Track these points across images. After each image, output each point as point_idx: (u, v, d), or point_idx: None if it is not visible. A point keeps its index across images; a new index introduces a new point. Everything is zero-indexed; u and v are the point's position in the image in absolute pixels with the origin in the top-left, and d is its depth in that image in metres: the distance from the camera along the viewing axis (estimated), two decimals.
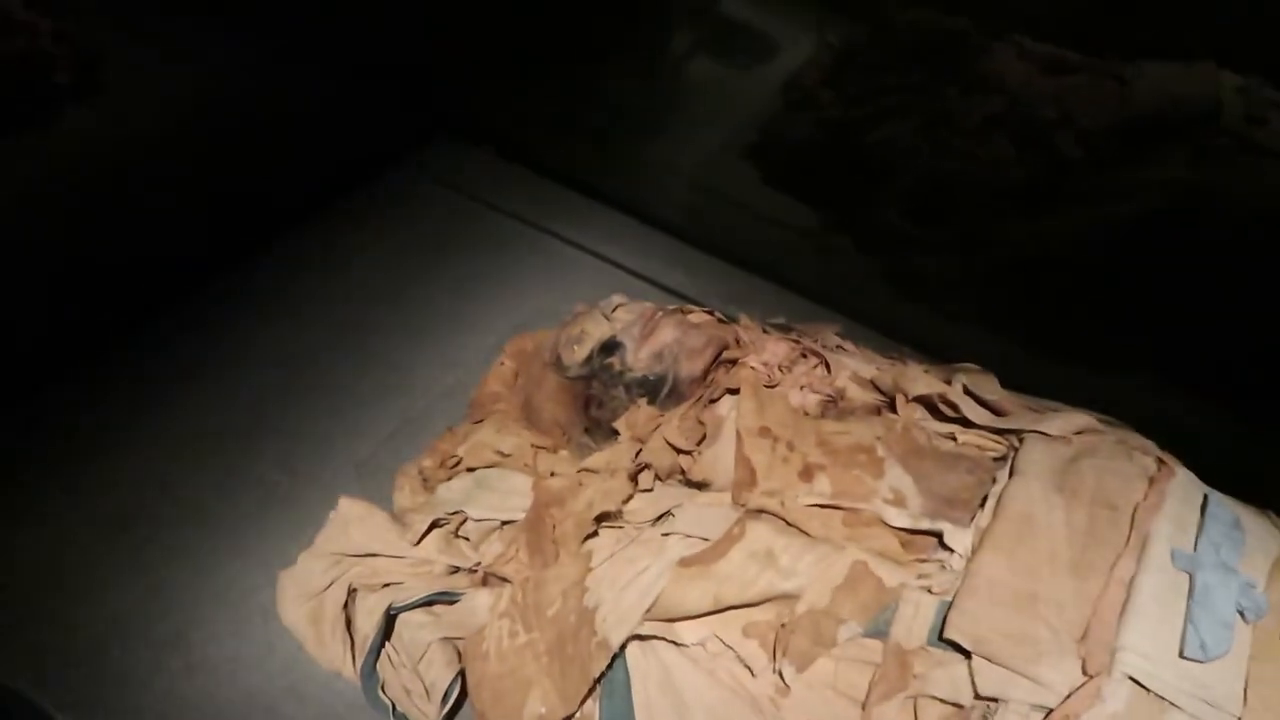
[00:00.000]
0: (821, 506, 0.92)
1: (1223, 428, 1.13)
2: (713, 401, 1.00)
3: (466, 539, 1.06)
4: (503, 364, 1.22)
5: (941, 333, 1.37)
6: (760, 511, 0.93)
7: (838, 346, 1.18)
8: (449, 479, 1.11)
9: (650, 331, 1.02)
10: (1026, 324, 1.33)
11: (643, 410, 0.99)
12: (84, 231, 1.25)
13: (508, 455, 1.07)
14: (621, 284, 1.44)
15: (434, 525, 1.05)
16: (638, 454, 1.00)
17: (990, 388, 1.03)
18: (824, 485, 0.93)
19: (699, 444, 0.99)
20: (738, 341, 1.06)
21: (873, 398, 1.06)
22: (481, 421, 1.15)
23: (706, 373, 1.03)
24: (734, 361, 1.03)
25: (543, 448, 1.08)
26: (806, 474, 0.95)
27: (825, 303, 1.43)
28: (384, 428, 1.25)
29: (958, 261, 1.40)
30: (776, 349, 1.10)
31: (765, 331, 1.18)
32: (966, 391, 1.02)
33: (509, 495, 1.02)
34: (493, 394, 1.18)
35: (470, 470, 1.09)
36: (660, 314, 1.06)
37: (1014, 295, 1.33)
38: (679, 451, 0.99)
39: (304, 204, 1.50)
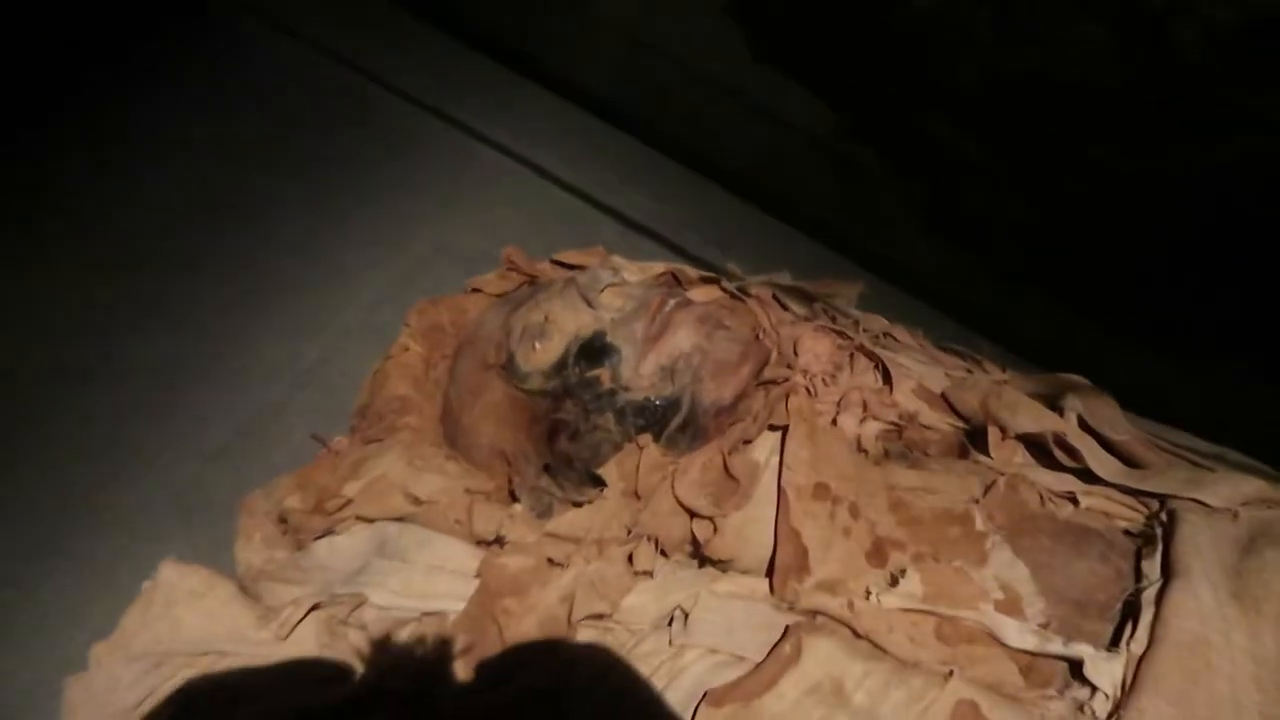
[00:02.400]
0: (907, 611, 0.79)
1: None
2: (746, 442, 0.85)
3: (362, 629, 0.88)
4: (407, 349, 1.02)
5: (995, 296, 1.24)
6: (816, 614, 0.79)
7: (885, 335, 1.04)
8: (329, 532, 0.92)
9: (660, 332, 0.87)
10: (1112, 293, 1.21)
11: (647, 452, 0.84)
12: None
13: (425, 503, 0.89)
14: (561, 208, 1.25)
15: (313, 608, 0.87)
16: (634, 516, 0.85)
17: (1112, 418, 0.91)
18: (911, 580, 0.80)
19: (723, 505, 0.83)
20: (778, 350, 0.93)
21: (949, 423, 0.93)
22: (379, 442, 0.96)
23: (739, 399, 0.87)
24: (776, 382, 0.89)
25: (481, 493, 0.90)
26: (878, 554, 0.82)
27: (842, 246, 1.28)
28: (214, 434, 1.04)
29: (1024, 196, 1.25)
30: (816, 347, 0.95)
31: (782, 305, 1.04)
32: (1083, 425, 0.89)
33: (433, 573, 0.85)
34: (396, 400, 0.98)
35: (366, 521, 0.91)
36: (672, 305, 0.88)
37: (1098, 250, 1.21)
38: (693, 515, 0.83)
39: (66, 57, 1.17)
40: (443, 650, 0.83)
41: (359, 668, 0.85)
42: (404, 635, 0.86)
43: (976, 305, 1.22)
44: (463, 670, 0.82)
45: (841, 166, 1.33)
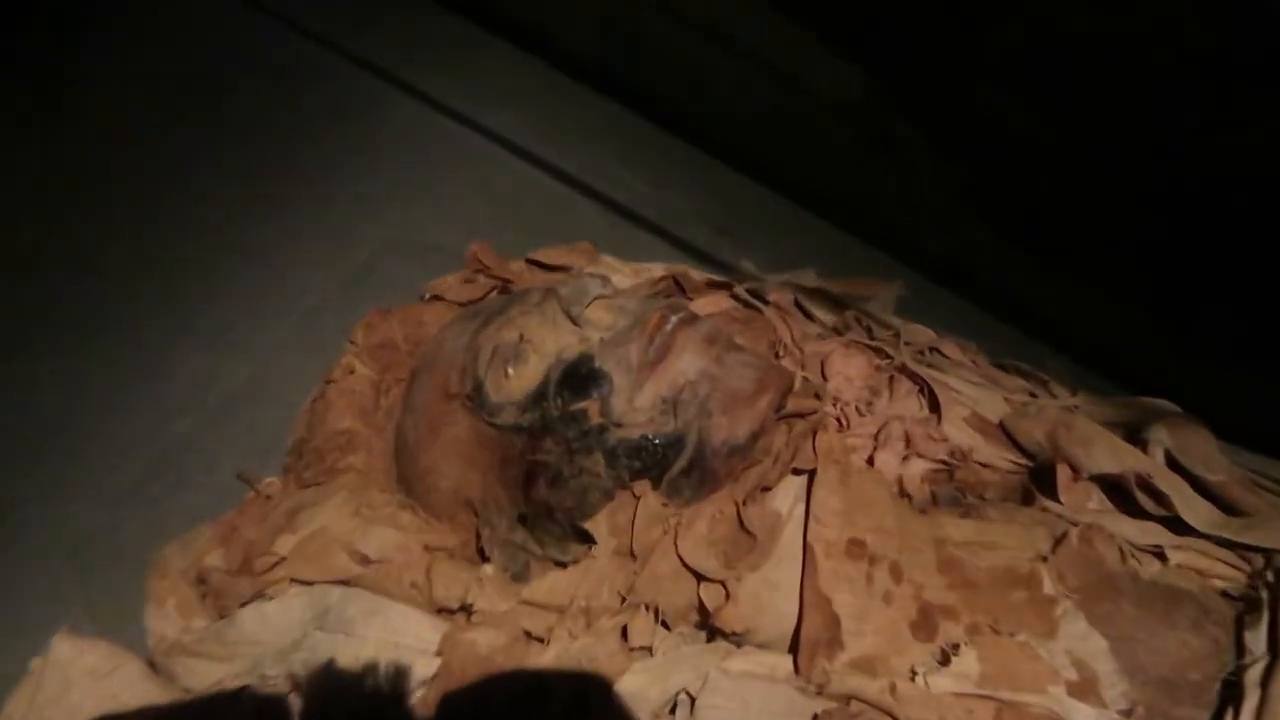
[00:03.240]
0: (961, 696, 0.78)
1: None
2: (764, 489, 0.84)
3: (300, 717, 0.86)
4: (352, 371, 1.01)
5: (1063, 298, 1.23)
6: (850, 699, 0.79)
7: (931, 349, 1.04)
8: (258, 597, 0.92)
9: (660, 356, 0.86)
10: (1204, 296, 1.20)
11: (644, 502, 0.83)
12: None
13: (375, 562, 0.89)
14: (539, 194, 1.24)
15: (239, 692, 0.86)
16: (629, 579, 0.84)
17: (1206, 454, 0.91)
18: (965, 658, 0.79)
19: (737, 565, 0.83)
20: (802, 372, 0.92)
21: (1009, 460, 0.93)
22: (319, 486, 0.96)
23: (756, 437, 0.86)
24: (801, 415, 0.88)
25: (442, 550, 0.90)
26: (925, 624, 0.81)
27: (877, 237, 1.28)
28: (118, 473, 1.03)
29: (1093, 178, 1.23)
30: (848, 368, 0.96)
31: (806, 314, 1.05)
32: (1171, 463, 0.89)
33: (385, 649, 0.85)
34: (339, 434, 0.98)
35: (303, 584, 0.91)
36: (674, 321, 0.87)
37: (1188, 245, 1.19)
38: (700, 579, 0.83)
39: None
40: None
41: None
42: None
43: (1040, 309, 1.21)
44: None
45: (876, 142, 1.32)
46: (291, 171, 1.20)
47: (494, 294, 1.13)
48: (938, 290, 1.20)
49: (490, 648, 0.82)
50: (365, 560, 0.89)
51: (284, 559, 0.91)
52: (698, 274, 1.07)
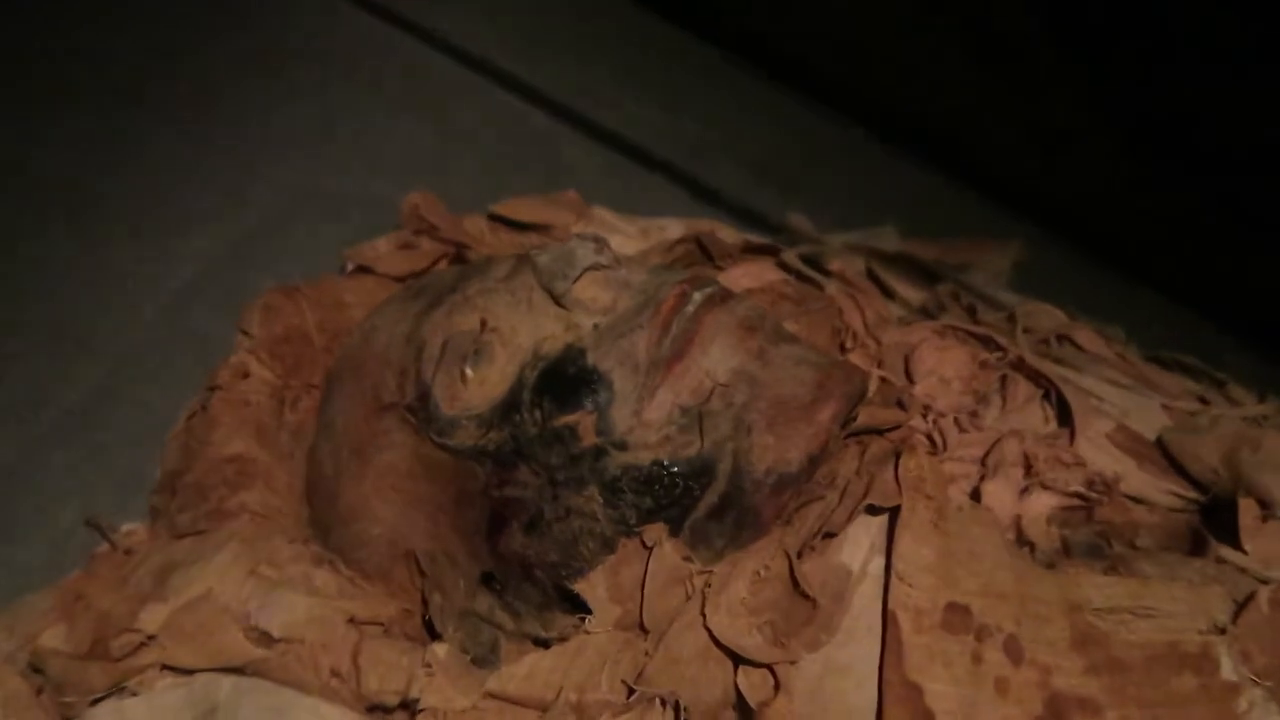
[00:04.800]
0: None
1: None
2: (828, 536, 0.84)
3: None
4: (245, 374, 1.01)
5: (1256, 263, 1.23)
6: None
7: (1061, 339, 1.05)
8: (117, 690, 0.92)
9: (679, 349, 0.85)
10: None
11: (660, 554, 0.84)
12: None
13: (280, 642, 0.89)
14: (506, 124, 1.25)
15: None
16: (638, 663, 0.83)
17: None
18: None
19: (789, 642, 0.82)
20: (878, 369, 0.93)
21: (1171, 493, 0.94)
22: (200, 535, 0.97)
23: (815, 462, 0.86)
24: (878, 431, 0.88)
25: (375, 624, 0.91)
26: None
27: (979, 180, 1.29)
28: None
29: None
30: (944, 366, 0.97)
31: (884, 290, 1.06)
32: None
33: None
34: (228, 463, 0.99)
35: (180, 672, 0.91)
36: (699, 300, 0.87)
37: None
38: (739, 661, 0.82)
39: None
40: None
41: None
42: None
43: (1218, 283, 1.21)
44: None
45: (982, 41, 1.31)
46: (161, 93, 1.21)
47: (444, 264, 1.12)
48: (1070, 254, 1.21)
49: None
50: (267, 639, 0.89)
51: (152, 638, 0.91)
52: (731, 234, 1.06)
